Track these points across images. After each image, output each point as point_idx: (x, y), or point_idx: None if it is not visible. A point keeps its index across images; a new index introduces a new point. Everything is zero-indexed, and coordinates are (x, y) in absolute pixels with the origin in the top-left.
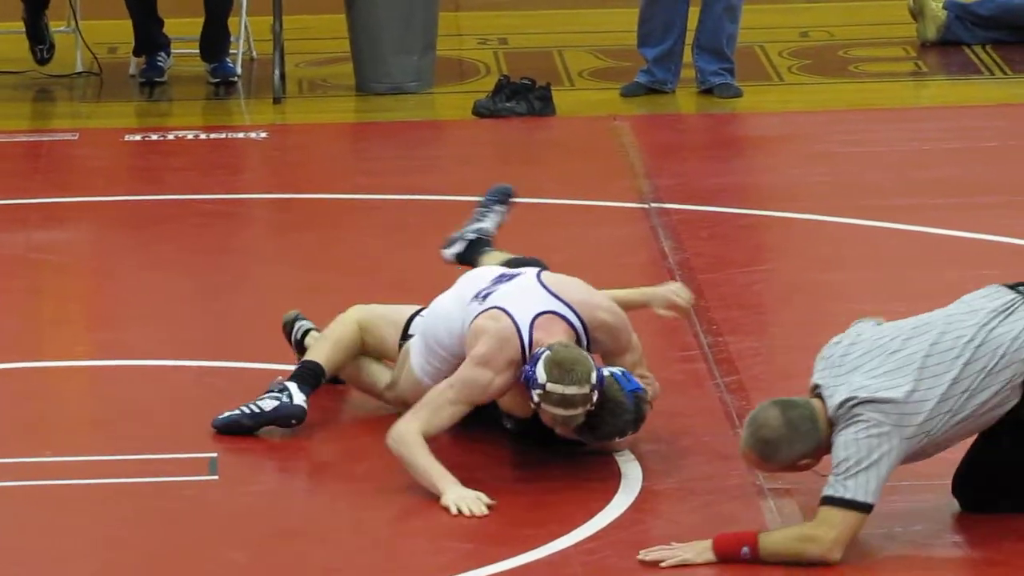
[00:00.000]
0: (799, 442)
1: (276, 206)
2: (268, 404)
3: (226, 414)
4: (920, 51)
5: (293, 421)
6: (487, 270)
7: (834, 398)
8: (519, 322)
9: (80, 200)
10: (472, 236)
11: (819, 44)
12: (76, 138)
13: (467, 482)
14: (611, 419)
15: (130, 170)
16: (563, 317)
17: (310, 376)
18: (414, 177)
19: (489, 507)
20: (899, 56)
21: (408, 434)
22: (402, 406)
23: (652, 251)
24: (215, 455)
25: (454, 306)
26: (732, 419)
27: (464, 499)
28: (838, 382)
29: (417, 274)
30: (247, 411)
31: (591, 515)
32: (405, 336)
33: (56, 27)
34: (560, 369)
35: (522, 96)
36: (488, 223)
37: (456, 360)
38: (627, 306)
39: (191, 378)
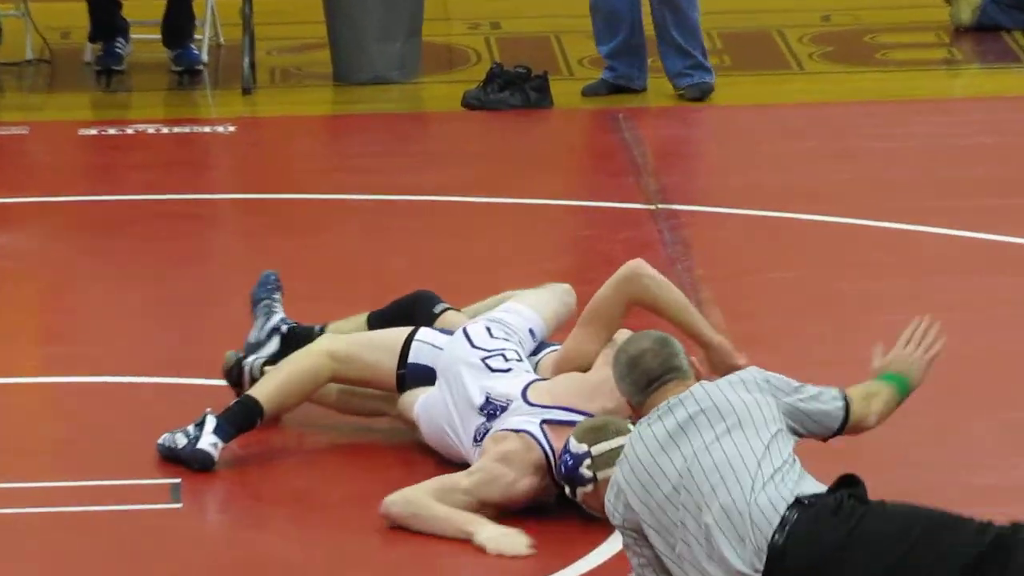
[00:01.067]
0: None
1: (246, 207)
2: (181, 440)
3: (163, 436)
4: (954, 37)
5: (195, 465)
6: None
7: None
8: (532, 431)
9: (30, 201)
10: (285, 328)
11: (843, 29)
12: (26, 132)
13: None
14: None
15: (85, 168)
16: (564, 422)
17: (240, 416)
18: (398, 175)
19: (527, 545)
20: (931, 42)
21: (417, 494)
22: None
23: (659, 257)
24: (178, 481)
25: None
26: None
27: (502, 537)
28: None
29: (403, 281)
30: (167, 441)
31: (593, 546)
32: (403, 363)
33: (3, 10)
34: (594, 432)
35: (516, 86)
36: (280, 312)
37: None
38: (681, 328)
39: (153, 396)
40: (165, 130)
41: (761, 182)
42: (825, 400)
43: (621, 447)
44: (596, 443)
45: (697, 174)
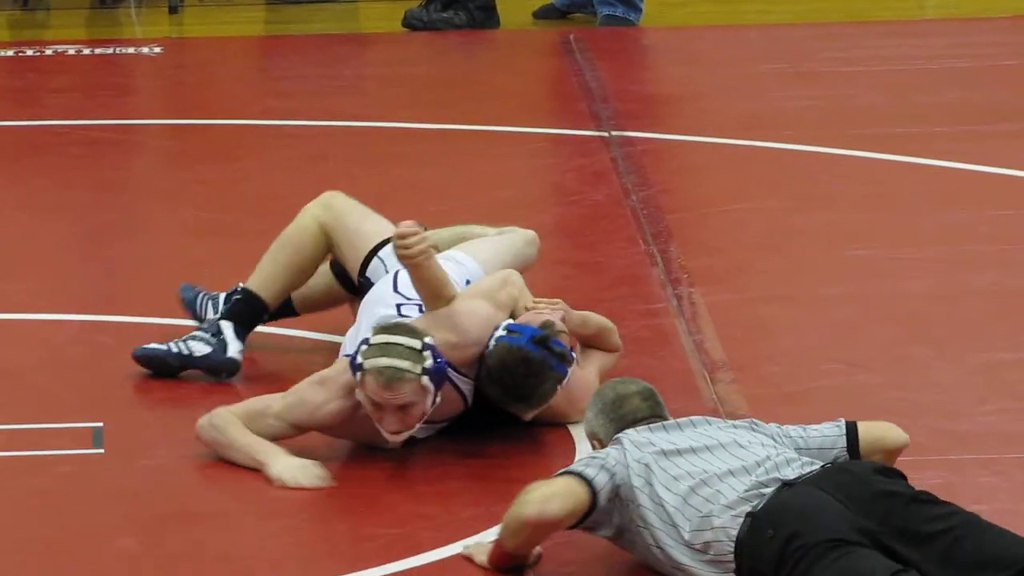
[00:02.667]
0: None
1: (172, 133)
2: (199, 348)
3: (151, 345)
4: None
5: (224, 375)
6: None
7: None
8: None
9: None
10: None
11: None
12: None
13: (405, 466)
14: (526, 380)
15: (1, 91)
16: None
17: (247, 315)
18: (334, 100)
19: (322, 478)
20: None
21: (225, 417)
22: None
23: (613, 187)
24: (100, 425)
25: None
26: (705, 382)
27: (297, 468)
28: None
29: None
30: (174, 350)
31: None
32: (363, 272)
33: None
34: (387, 327)
35: (460, 5)
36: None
37: None
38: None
39: (73, 334)
40: (87, 51)
41: (720, 108)
42: (822, 427)
43: (400, 345)
44: (379, 333)
45: (653, 99)
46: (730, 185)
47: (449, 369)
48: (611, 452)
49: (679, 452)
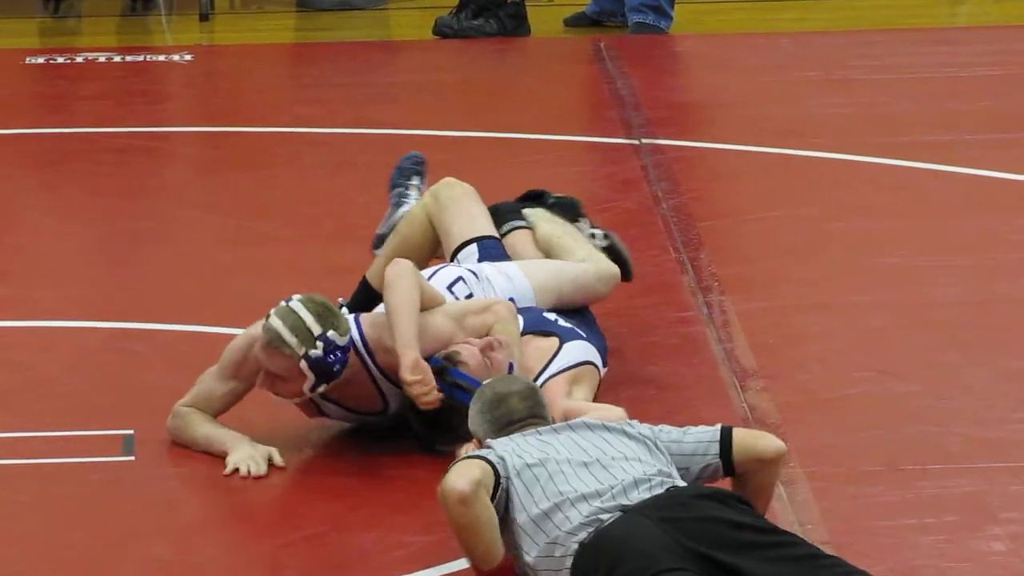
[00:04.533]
0: None
1: (202, 141)
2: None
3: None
4: None
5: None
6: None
7: None
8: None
9: None
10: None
11: None
12: None
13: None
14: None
15: (32, 98)
16: None
17: (362, 303)
18: (365, 107)
19: (276, 466)
20: None
21: (179, 412)
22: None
23: (643, 195)
24: (131, 432)
25: None
26: (736, 390)
27: (246, 459)
28: None
29: (368, 221)
30: None
31: None
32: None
33: None
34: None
35: (491, 13)
36: (413, 205)
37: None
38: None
39: (103, 342)
40: (117, 59)
41: (751, 115)
42: (698, 431)
43: (302, 321)
44: (302, 299)
45: (684, 107)
46: (761, 193)
47: (373, 366)
48: (486, 449)
49: (541, 466)
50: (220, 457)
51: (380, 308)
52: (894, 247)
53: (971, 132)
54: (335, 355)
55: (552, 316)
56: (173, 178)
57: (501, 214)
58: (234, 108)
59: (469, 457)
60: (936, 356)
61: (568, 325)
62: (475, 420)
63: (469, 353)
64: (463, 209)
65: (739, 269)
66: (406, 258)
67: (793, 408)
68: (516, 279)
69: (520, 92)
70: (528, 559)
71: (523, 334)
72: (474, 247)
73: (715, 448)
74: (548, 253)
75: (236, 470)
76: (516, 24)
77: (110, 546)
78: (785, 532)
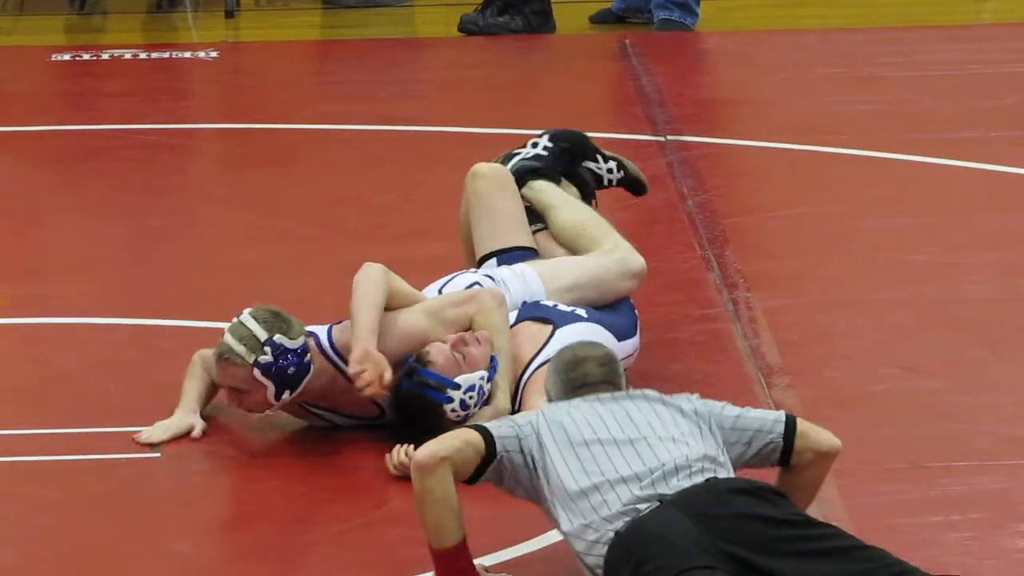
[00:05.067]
0: None
1: (228, 138)
2: None
3: None
4: None
5: None
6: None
7: None
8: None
9: None
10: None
11: None
12: None
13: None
14: (412, 414)
15: (57, 95)
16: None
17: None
18: (390, 104)
19: (187, 435)
20: None
21: (193, 360)
22: None
23: (668, 192)
24: None
25: None
26: (761, 387)
27: (159, 426)
28: None
29: (394, 218)
30: None
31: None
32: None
33: None
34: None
35: (516, 10)
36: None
37: None
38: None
39: (128, 339)
40: (143, 55)
41: (777, 112)
42: (760, 413)
43: (248, 331)
44: (252, 312)
45: (709, 104)
46: (787, 189)
47: (347, 368)
48: (529, 417)
49: (586, 443)
50: (246, 453)
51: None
52: (920, 244)
53: (997, 128)
54: (287, 359)
55: (551, 301)
56: (198, 175)
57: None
58: (259, 105)
59: (472, 427)
60: (962, 353)
61: (567, 309)
62: (550, 379)
63: (437, 351)
64: (488, 208)
65: (764, 266)
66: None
67: (818, 405)
68: (532, 283)
69: (545, 89)
70: (562, 527)
71: (518, 321)
72: (494, 261)
73: (780, 428)
74: (572, 245)
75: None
76: (541, 21)
77: (135, 542)
78: (823, 524)
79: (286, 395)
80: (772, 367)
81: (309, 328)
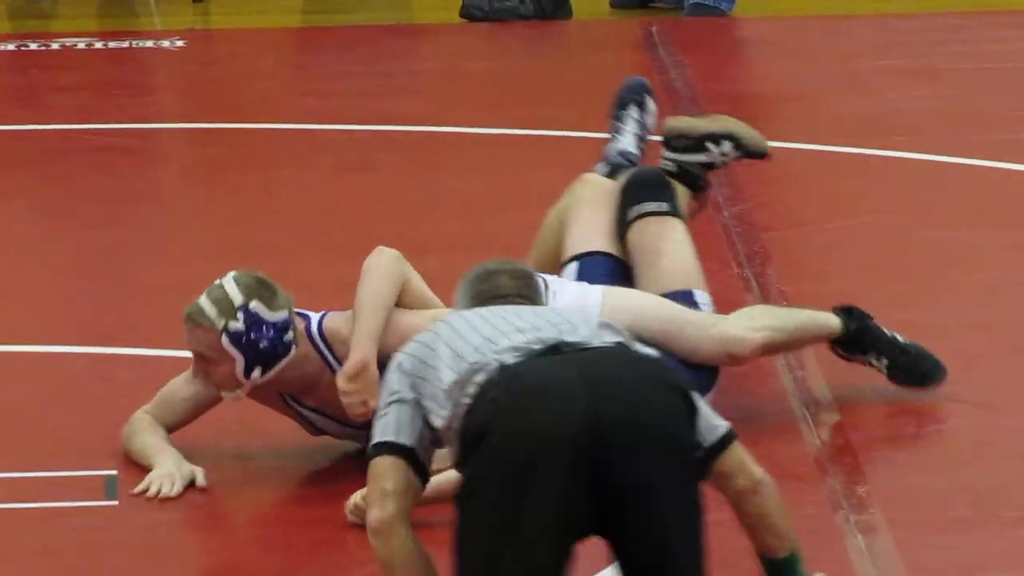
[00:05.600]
0: None
1: (197, 139)
2: None
3: None
4: None
5: None
6: None
7: None
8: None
9: None
10: (615, 160)
11: None
12: None
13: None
14: None
15: (1, 90)
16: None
17: None
18: (383, 101)
19: (196, 486)
20: None
21: (133, 419)
22: None
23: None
24: (114, 473)
25: None
26: (807, 425)
27: (163, 476)
28: None
29: (386, 231)
30: None
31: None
32: None
33: None
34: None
35: None
36: (626, 140)
37: None
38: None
39: (84, 368)
40: (98, 45)
41: (825, 110)
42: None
43: (224, 293)
44: (235, 275)
45: (747, 100)
46: (835, 198)
47: (333, 360)
48: (391, 378)
49: (475, 328)
50: (217, 499)
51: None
52: (988, 261)
53: None
54: (260, 331)
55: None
56: (162, 181)
57: (644, 188)
58: (232, 102)
59: (374, 454)
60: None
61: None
62: (458, 293)
63: None
64: (584, 214)
65: (810, 286)
66: (542, 259)
67: (872, 445)
68: (589, 299)
69: (560, 83)
70: (443, 385)
71: None
72: (575, 265)
73: (713, 436)
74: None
75: (147, 489)
76: (555, 5)
77: None
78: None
79: (256, 373)
80: (819, 402)
81: (304, 311)
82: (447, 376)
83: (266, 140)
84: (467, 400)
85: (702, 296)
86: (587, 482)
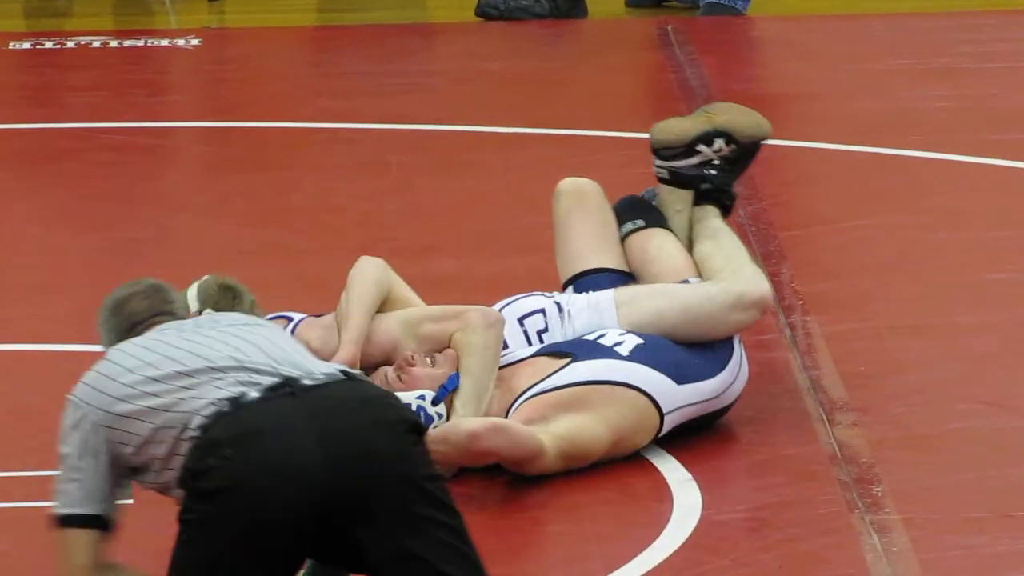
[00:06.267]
0: None
1: (211, 138)
2: None
3: None
4: None
5: None
6: None
7: None
8: None
9: None
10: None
11: None
12: None
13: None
14: None
15: (17, 89)
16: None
17: None
18: (397, 100)
19: None
20: None
21: None
22: None
23: None
24: None
25: None
26: (823, 424)
27: None
28: None
29: (401, 231)
30: None
31: (634, 553)
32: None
33: None
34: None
35: None
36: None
37: None
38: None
39: None
40: (113, 44)
41: (840, 110)
42: None
43: (185, 302)
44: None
45: (762, 100)
46: (851, 198)
47: None
48: (67, 426)
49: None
50: None
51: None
52: (1004, 261)
53: None
54: None
55: (592, 336)
56: (176, 180)
57: (623, 212)
58: (247, 100)
59: (63, 521)
60: None
61: (607, 344)
62: (102, 335)
63: (379, 372)
64: (564, 230)
65: (826, 286)
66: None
67: (888, 445)
68: (605, 313)
69: (574, 82)
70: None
71: (535, 355)
72: (571, 289)
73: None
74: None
75: None
76: (570, 4)
77: None
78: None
79: None
80: (835, 402)
81: (287, 314)
82: (145, 416)
83: (281, 139)
84: (188, 439)
85: (696, 281)
86: (324, 547)
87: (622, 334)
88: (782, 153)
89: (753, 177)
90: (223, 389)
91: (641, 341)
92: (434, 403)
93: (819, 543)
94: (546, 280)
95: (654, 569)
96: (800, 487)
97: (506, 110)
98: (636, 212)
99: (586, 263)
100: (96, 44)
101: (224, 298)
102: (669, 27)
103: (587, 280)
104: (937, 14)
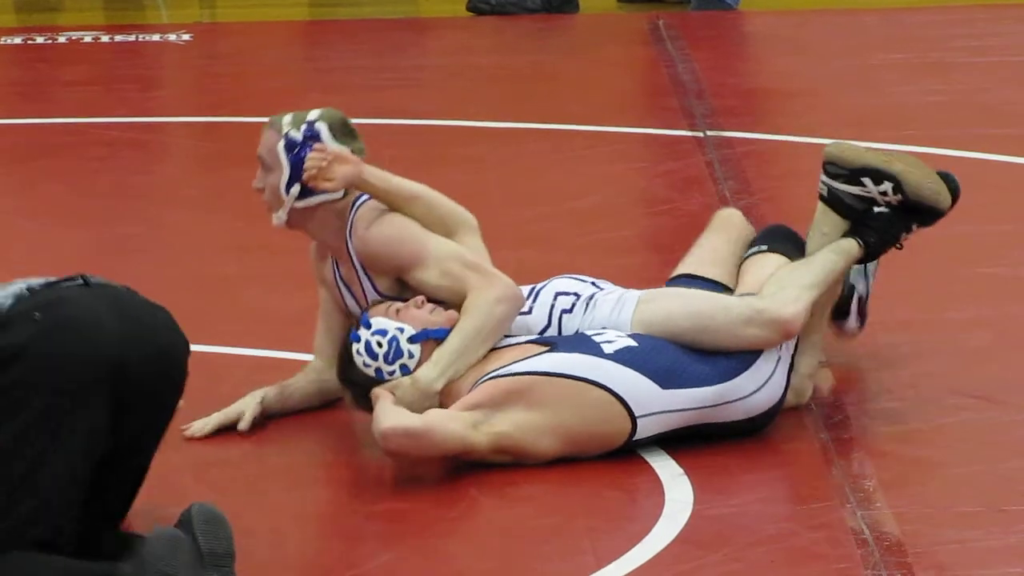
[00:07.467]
0: None
1: (203, 133)
2: None
3: None
4: None
5: None
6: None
7: None
8: None
9: None
10: None
11: None
12: None
13: (465, 498)
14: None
15: (8, 84)
16: None
17: None
18: (389, 94)
19: (233, 426)
20: None
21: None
22: None
23: (708, 195)
24: None
25: None
26: (815, 420)
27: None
28: None
29: None
30: None
31: (626, 548)
32: None
33: None
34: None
35: None
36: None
37: None
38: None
39: None
40: (105, 39)
41: (832, 104)
42: None
43: (305, 113)
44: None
45: (755, 94)
46: None
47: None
48: None
49: None
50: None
51: None
52: (997, 256)
53: None
54: (306, 145)
55: (590, 332)
56: (169, 176)
57: (760, 237)
58: (239, 95)
59: None
60: None
61: (598, 341)
62: None
63: (380, 303)
64: (698, 242)
65: None
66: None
67: (880, 439)
68: (625, 309)
69: (567, 77)
70: None
71: (525, 342)
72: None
73: None
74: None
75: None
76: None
77: None
78: None
79: (294, 190)
80: (827, 397)
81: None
82: None
83: None
84: None
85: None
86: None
87: (619, 335)
88: (774, 148)
89: (744, 171)
90: (14, 285)
91: (634, 343)
92: (410, 340)
93: (811, 537)
94: (536, 274)
95: (646, 563)
96: (792, 482)
97: (498, 105)
98: (768, 238)
99: (695, 269)
100: (87, 39)
101: (341, 126)
102: (661, 22)
103: (680, 280)
104: (929, 8)
